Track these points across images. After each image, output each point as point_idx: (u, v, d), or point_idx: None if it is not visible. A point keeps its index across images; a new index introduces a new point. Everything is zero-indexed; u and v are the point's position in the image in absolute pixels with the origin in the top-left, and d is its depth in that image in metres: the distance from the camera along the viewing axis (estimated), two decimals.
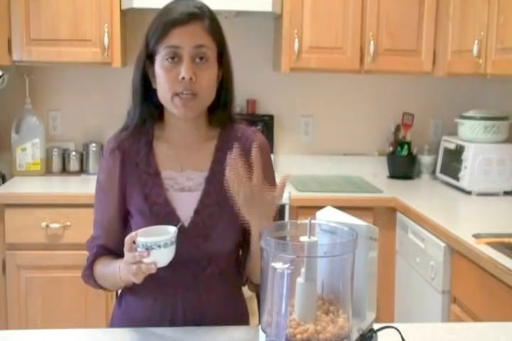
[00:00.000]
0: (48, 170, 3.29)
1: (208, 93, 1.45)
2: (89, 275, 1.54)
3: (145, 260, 1.29)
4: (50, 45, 3.00)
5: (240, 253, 1.58)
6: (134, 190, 1.50)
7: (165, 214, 1.47)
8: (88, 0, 3.00)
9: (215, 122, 1.54)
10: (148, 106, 1.50)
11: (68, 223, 2.80)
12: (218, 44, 1.46)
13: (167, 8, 1.46)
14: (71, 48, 3.01)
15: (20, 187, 2.99)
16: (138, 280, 1.31)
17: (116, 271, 1.40)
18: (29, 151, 3.20)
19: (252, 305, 1.79)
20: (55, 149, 3.29)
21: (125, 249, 1.32)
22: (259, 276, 1.34)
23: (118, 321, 1.56)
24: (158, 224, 1.42)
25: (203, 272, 1.49)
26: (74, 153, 3.30)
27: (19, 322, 2.86)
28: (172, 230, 1.34)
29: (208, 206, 1.48)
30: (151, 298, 1.49)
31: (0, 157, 3.29)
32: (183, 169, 1.52)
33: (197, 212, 1.48)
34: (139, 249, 1.30)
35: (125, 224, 1.55)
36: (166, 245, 1.30)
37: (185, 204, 1.49)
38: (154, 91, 1.48)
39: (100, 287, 1.55)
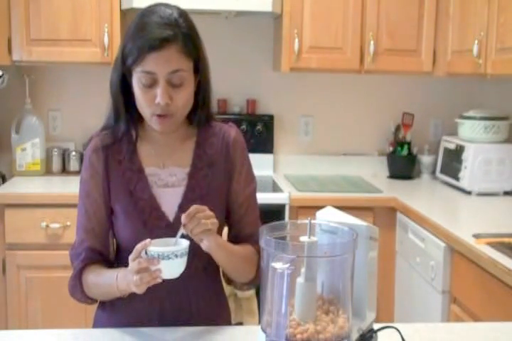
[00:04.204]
0: (47, 170, 3.28)
1: (184, 110, 1.47)
2: (75, 285, 1.51)
3: (154, 267, 1.28)
4: (50, 45, 3.00)
5: None
6: (118, 187, 1.51)
7: (150, 210, 1.49)
8: (88, 0, 3.00)
9: (194, 122, 1.56)
10: (130, 110, 1.51)
11: (68, 223, 2.80)
12: (194, 59, 1.45)
13: (142, 24, 1.45)
14: (71, 48, 3.01)
15: (20, 187, 2.99)
16: (140, 290, 1.30)
17: (113, 281, 1.39)
18: (29, 151, 3.20)
19: (252, 305, 1.80)
20: (55, 149, 3.29)
21: (131, 257, 1.32)
22: (231, 274, 1.53)
23: (103, 325, 1.53)
24: (143, 221, 1.46)
25: (188, 268, 1.47)
26: (74, 153, 3.30)
27: (19, 322, 2.86)
28: (185, 243, 1.34)
29: (192, 201, 1.47)
30: (138, 299, 1.44)
31: (0, 157, 3.29)
32: (166, 166, 1.53)
33: (181, 207, 1.48)
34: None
35: (111, 225, 1.54)
36: (182, 255, 1.31)
37: (170, 200, 1.51)
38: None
39: (86, 299, 1.52)
